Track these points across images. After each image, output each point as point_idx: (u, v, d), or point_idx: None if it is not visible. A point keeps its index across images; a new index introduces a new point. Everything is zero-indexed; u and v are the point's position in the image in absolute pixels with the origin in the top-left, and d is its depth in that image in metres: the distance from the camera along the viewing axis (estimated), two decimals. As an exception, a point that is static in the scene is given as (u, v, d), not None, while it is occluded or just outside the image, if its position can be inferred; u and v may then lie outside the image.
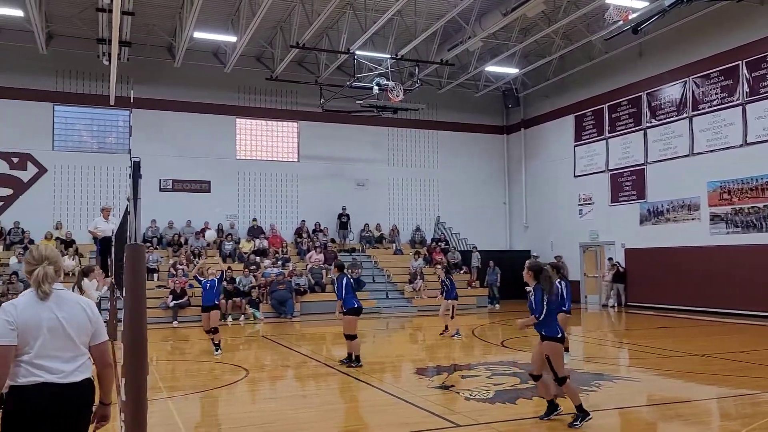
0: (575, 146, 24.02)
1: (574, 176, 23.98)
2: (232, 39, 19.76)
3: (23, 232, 19.74)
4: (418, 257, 22.88)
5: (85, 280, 9.00)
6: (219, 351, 11.47)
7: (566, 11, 18.24)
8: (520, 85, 25.52)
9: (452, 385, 8.48)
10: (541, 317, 6.40)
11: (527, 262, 6.81)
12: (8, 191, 20.31)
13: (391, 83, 18.92)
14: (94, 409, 3.34)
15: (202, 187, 22.63)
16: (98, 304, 11.74)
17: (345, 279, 10.13)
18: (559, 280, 8.61)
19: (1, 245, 19.32)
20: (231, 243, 21.60)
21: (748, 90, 17.81)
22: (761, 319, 16.24)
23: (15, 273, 17.28)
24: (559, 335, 6.54)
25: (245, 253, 21.29)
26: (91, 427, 3.35)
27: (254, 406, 7.86)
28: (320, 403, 8.00)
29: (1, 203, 20.21)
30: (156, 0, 18.07)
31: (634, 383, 8.79)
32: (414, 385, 8.77)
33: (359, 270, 21.26)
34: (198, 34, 18.95)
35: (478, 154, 26.75)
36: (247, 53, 21.17)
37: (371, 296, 20.38)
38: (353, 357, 10.09)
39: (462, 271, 23.37)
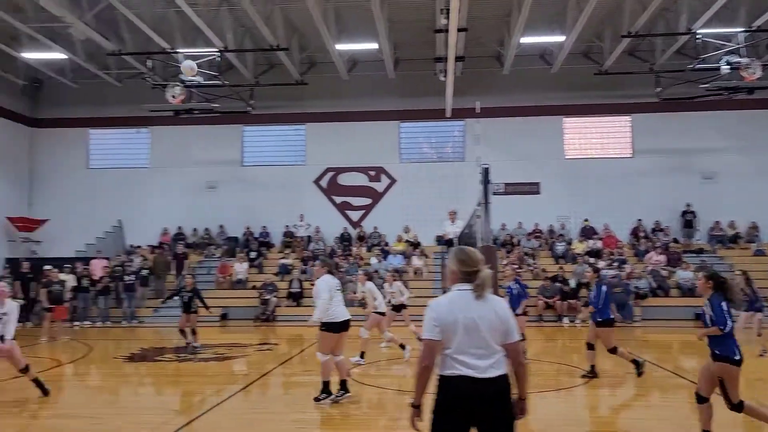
0: None
1: None
2: (560, 39, 19.66)
3: (380, 235, 22.74)
4: (785, 259, 19.45)
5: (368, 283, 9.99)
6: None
7: None
8: None
9: None
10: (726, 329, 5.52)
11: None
12: (368, 200, 23.64)
13: (744, 60, 16.50)
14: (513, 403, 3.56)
15: (531, 188, 22.90)
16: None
17: (603, 287, 9.37)
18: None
19: (364, 247, 22.53)
20: (563, 244, 21.45)
21: None
22: None
23: (376, 271, 19.95)
24: (737, 357, 5.49)
25: (578, 254, 20.92)
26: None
27: (592, 412, 7.66)
28: (672, 416, 7.40)
29: (363, 211, 23.63)
30: (485, 12, 19.02)
31: None
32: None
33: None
34: (525, 39, 19.34)
35: None
36: (573, 50, 20.81)
37: (725, 303, 18.01)
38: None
39: None
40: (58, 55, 19.86)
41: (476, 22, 19.00)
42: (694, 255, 20.56)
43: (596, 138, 23.29)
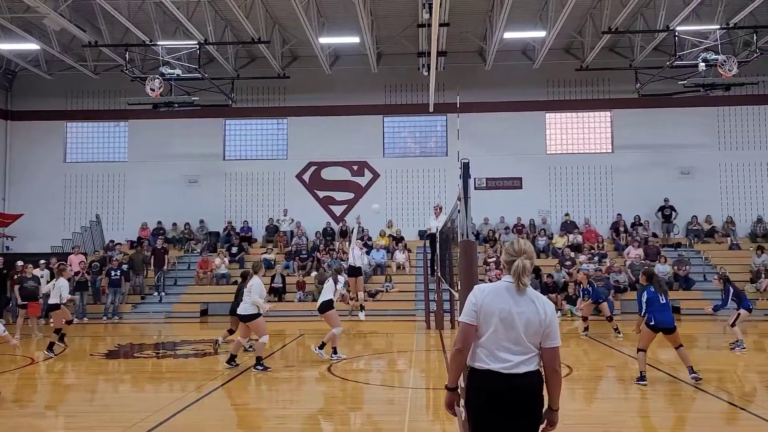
0: None
1: None
2: (541, 34, 19.75)
3: (363, 230, 22.68)
4: (761, 253, 19.78)
5: (256, 276, 9.83)
6: None
7: None
8: None
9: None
10: None
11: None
12: (350, 195, 23.59)
13: (721, 57, 16.70)
14: (543, 410, 3.41)
15: (513, 183, 23.11)
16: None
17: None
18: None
19: (347, 242, 22.45)
20: (544, 238, 21.61)
21: None
22: None
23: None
24: (651, 323, 8.16)
25: (558, 248, 21.09)
26: (541, 428, 3.43)
27: (574, 405, 7.71)
28: (650, 409, 7.49)
29: (346, 206, 23.58)
30: (468, 7, 19.02)
31: None
32: (765, 398, 7.63)
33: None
34: (508, 35, 19.40)
35: (843, 128, 22.00)
36: (555, 46, 20.92)
37: (704, 296, 18.30)
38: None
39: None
40: (32, 46, 19.48)
41: (459, 17, 19.00)
42: (672, 249, 20.86)
43: (577, 133, 23.47)
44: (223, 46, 20.73)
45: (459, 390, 3.60)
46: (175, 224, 23.17)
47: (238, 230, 22.87)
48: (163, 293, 20.12)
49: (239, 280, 11.91)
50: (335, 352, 10.79)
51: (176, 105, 18.98)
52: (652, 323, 8.55)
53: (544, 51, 20.68)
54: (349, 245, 13.96)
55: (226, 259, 21.03)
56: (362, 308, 13.25)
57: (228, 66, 21.69)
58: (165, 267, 20.62)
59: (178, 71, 17.98)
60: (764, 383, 8.60)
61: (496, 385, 3.32)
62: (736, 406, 7.34)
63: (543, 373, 3.40)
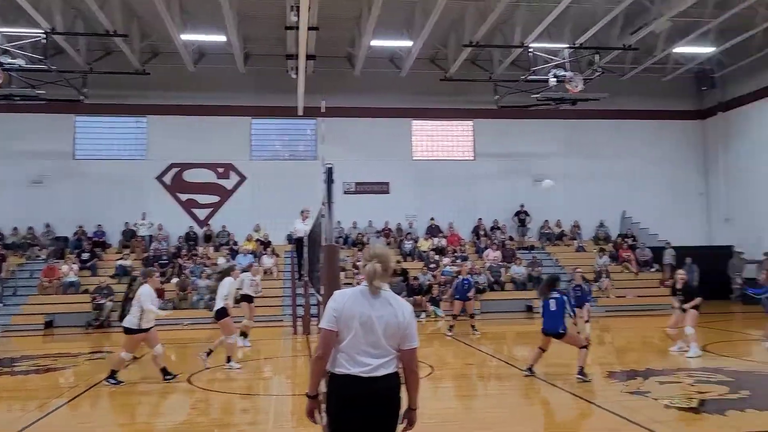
0: (787, 128, 21.18)
1: (787, 162, 21.16)
2: (408, 44, 20.30)
3: (228, 234, 22.03)
4: (603, 254, 21.70)
5: (145, 284, 9.48)
6: None
7: (773, -24, 16.14)
8: (715, 65, 23.10)
9: (648, 392, 7.91)
10: None
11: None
12: (215, 198, 22.78)
13: (569, 74, 18.12)
14: (401, 412, 3.44)
15: (381, 188, 23.54)
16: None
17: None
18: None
19: (212, 247, 21.68)
20: (411, 242, 22.21)
21: None
22: None
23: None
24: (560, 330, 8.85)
25: (424, 251, 21.77)
26: (400, 427, 3.46)
27: (436, 404, 7.96)
28: (504, 404, 7.92)
29: (211, 209, 22.73)
30: (337, 12, 19.11)
31: None
32: (605, 389, 8.34)
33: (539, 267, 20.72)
34: (375, 42, 19.74)
35: (668, 142, 24.70)
36: (421, 56, 21.60)
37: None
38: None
39: (653, 269, 21.79)
40: None
41: (328, 21, 19.02)
42: (527, 251, 22.27)
43: (442, 141, 24.37)
44: (74, 37, 19.21)
45: (320, 396, 3.56)
46: (16, 228, 21.06)
47: (90, 235, 21.25)
48: (0, 304, 18.20)
49: (90, 288, 11.09)
50: (229, 360, 10.41)
51: (17, 98, 17.29)
52: (543, 328, 9.08)
53: (410, 60, 21.27)
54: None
55: (76, 266, 19.45)
56: (245, 335, 13.00)
57: (79, 58, 20.12)
58: (2, 275, 18.69)
59: (20, 61, 16.38)
60: (604, 375, 9.38)
61: (355, 389, 3.35)
62: (580, 398, 7.92)
63: (401, 375, 3.44)
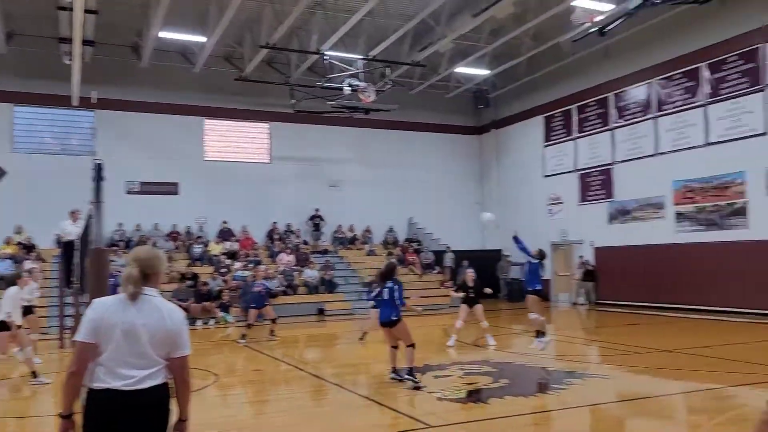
0: (545, 146, 24.32)
1: (544, 176, 24.27)
2: (201, 39, 19.48)
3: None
4: (391, 258, 22.85)
5: (10, 288, 8.65)
6: None
7: (535, 12, 18.40)
8: (490, 86, 25.69)
9: (424, 386, 8.43)
10: None
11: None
12: (-33, 195, 19.66)
13: (362, 84, 18.85)
14: (171, 423, 3.22)
15: (169, 189, 22.27)
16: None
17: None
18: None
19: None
20: (200, 245, 21.29)
21: (709, 92, 18.21)
22: (724, 314, 16.60)
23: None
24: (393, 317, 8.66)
25: (214, 255, 21.02)
26: None
27: (224, 411, 7.71)
28: (292, 407, 7.90)
29: (-40, 207, 19.55)
30: (121, -2, 17.71)
31: (604, 380, 8.89)
32: (386, 386, 8.72)
33: (332, 272, 21.19)
34: (164, 34, 18.64)
35: (451, 154, 26.87)
36: (216, 53, 20.91)
37: (346, 298, 20.29)
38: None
39: (435, 272, 23.48)
40: None
41: (110, 6, 17.56)
42: (320, 255, 22.63)
43: (237, 142, 23.79)
44: None
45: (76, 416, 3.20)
46: None
47: None
48: None
49: None
50: (35, 376, 9.20)
51: None
52: (380, 321, 8.83)
53: (203, 56, 20.45)
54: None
55: None
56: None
57: None
58: None
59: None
60: (386, 373, 9.83)
61: (116, 404, 3.07)
62: (365, 397, 8.19)
63: (171, 385, 3.24)
